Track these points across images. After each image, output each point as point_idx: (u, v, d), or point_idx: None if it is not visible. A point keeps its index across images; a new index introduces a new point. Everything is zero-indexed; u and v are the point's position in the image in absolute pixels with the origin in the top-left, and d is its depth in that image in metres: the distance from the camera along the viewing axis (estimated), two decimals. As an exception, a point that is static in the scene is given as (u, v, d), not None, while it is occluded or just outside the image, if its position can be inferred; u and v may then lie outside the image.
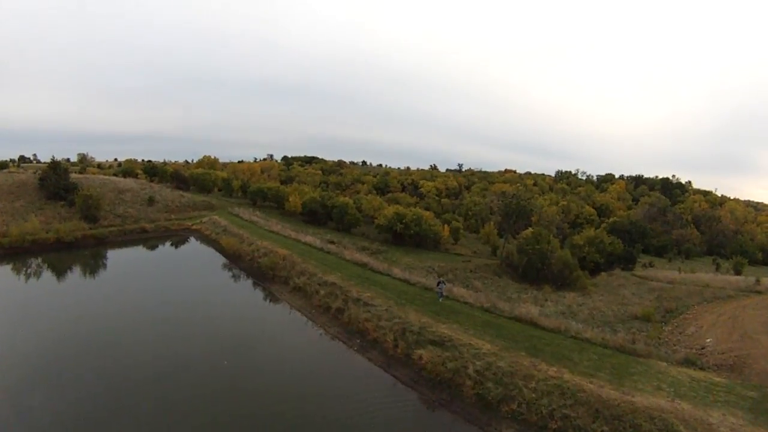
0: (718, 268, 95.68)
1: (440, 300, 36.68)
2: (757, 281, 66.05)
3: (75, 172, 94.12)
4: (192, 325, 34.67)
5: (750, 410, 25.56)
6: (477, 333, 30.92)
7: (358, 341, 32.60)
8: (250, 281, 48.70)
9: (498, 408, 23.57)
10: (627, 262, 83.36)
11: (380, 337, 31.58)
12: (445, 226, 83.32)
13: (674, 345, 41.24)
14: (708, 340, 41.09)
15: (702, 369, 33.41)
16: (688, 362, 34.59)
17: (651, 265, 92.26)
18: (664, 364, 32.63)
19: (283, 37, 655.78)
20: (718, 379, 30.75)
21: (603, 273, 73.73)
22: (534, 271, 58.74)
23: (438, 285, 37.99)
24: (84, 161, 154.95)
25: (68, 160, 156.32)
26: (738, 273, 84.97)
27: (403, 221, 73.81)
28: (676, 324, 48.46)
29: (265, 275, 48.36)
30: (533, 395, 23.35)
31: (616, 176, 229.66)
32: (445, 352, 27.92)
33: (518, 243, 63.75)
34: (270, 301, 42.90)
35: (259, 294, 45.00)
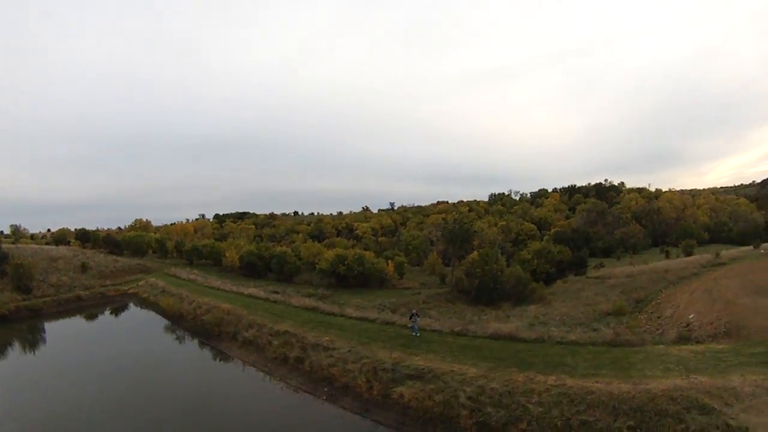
0: (668, 256, 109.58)
1: (415, 335, 39.25)
2: (717, 255, 74.83)
3: (8, 244, 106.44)
4: (138, 394, 36.53)
5: (765, 364, 28.54)
6: (456, 359, 32.57)
7: (326, 389, 33.92)
8: (195, 341, 52.59)
9: (506, 431, 24.16)
10: (578, 267, 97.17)
11: (350, 382, 32.84)
12: (389, 262, 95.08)
13: (657, 329, 45.71)
14: (691, 316, 45.93)
15: (699, 342, 37.08)
16: (682, 339, 38.45)
17: (602, 265, 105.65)
18: (661, 346, 35.62)
19: (212, 89, 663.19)
20: (720, 347, 34.16)
21: (558, 281, 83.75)
22: (487, 292, 65.88)
23: (411, 319, 40.54)
24: (17, 233, 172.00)
25: (1, 232, 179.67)
26: (689, 255, 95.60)
27: (345, 263, 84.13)
28: (650, 311, 54.39)
29: (210, 333, 52.36)
30: (540, 410, 24.29)
31: (549, 190, 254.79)
32: (428, 385, 28.89)
33: (465, 267, 72.51)
34: (220, 359, 46.01)
35: (206, 353, 48.33)
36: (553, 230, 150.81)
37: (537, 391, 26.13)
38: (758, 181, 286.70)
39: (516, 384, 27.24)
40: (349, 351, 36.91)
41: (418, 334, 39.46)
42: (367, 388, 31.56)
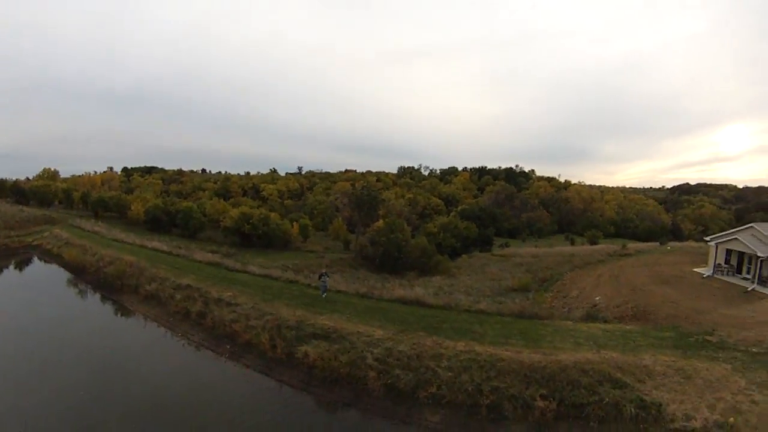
0: (573, 243, 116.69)
1: (323, 296, 40.20)
2: (624, 246, 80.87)
3: None
4: (35, 356, 35.00)
5: (675, 347, 31.64)
6: (363, 320, 33.77)
7: (228, 347, 34.43)
8: (97, 295, 52.57)
9: (415, 395, 25.39)
10: (484, 244, 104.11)
11: (253, 339, 33.55)
12: (294, 224, 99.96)
13: (563, 308, 48.84)
14: (597, 298, 49.28)
15: (606, 322, 39.92)
16: (590, 318, 41.27)
17: (507, 245, 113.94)
18: (569, 322, 38.16)
19: (124, 42, 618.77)
20: (628, 327, 37.19)
21: (463, 255, 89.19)
22: (391, 261, 69.37)
23: (320, 278, 41.74)
24: None
25: None
26: (594, 244, 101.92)
27: (251, 222, 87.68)
28: (556, 290, 58.44)
29: (113, 286, 52.95)
30: (450, 374, 25.58)
31: (460, 169, 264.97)
32: (334, 345, 29.86)
33: (371, 235, 75.97)
34: (121, 314, 46.04)
35: (108, 308, 48.31)
36: (460, 207, 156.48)
37: (446, 356, 27.21)
38: (669, 186, 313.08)
39: (424, 348, 28.22)
40: (252, 307, 37.60)
41: (325, 295, 40.50)
42: (271, 346, 32.20)
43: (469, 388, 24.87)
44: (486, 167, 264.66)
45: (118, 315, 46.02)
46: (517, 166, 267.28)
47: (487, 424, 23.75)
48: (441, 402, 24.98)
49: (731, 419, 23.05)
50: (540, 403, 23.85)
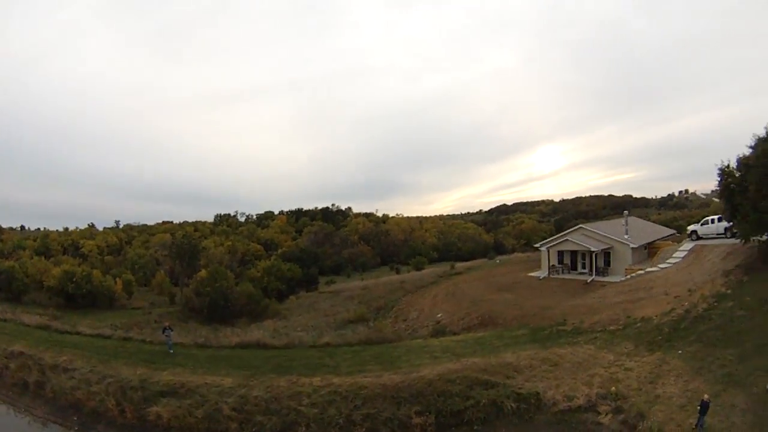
0: (398, 272, 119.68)
1: (171, 351, 38.49)
2: (452, 266, 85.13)
3: None
4: None
5: (533, 342, 33.90)
6: (208, 370, 32.97)
7: (76, 418, 32.14)
8: None
9: None
10: (309, 283, 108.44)
11: (99, 406, 31.49)
12: (117, 280, 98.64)
13: (407, 330, 49.94)
14: (439, 315, 51.59)
15: (456, 334, 41.26)
16: (439, 333, 42.70)
17: (333, 282, 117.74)
18: (419, 340, 39.42)
19: None
20: (479, 334, 38.91)
21: (291, 297, 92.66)
22: (219, 310, 69.90)
23: (164, 332, 39.50)
24: None
25: None
26: (420, 270, 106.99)
27: (74, 280, 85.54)
28: (394, 315, 59.88)
29: None
30: (315, 411, 25.30)
31: (276, 213, 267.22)
32: (185, 401, 28.59)
33: (195, 286, 76.98)
34: None
35: None
36: (280, 250, 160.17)
37: (305, 393, 26.74)
38: (485, 209, 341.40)
39: (280, 389, 27.55)
40: (91, 371, 35.54)
41: (172, 350, 38.52)
42: (119, 411, 30.37)
43: (340, 421, 24.44)
44: (302, 209, 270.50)
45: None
46: (333, 204, 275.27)
47: None
48: None
49: (612, 389, 24.91)
50: (417, 420, 24.00)
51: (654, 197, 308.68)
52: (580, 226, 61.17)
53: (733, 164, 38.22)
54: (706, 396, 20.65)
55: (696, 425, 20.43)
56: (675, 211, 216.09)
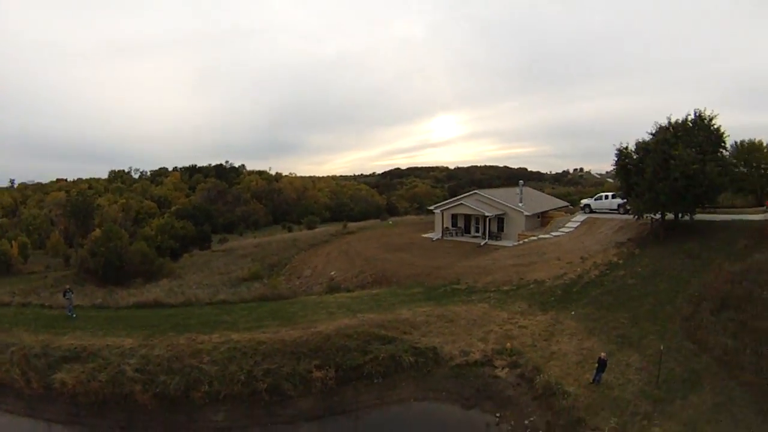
0: (290, 231, 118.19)
1: (73, 315, 36.43)
2: (345, 225, 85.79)
3: None
4: None
5: (428, 299, 34.08)
6: (108, 332, 31.67)
7: None
8: None
9: (189, 399, 23.94)
10: (203, 241, 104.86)
11: (5, 377, 29.34)
12: (13, 243, 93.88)
13: (301, 287, 48.85)
14: (332, 272, 50.71)
15: (350, 291, 40.77)
16: (333, 290, 41.96)
17: (226, 240, 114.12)
18: (314, 296, 38.74)
19: None
20: (375, 291, 38.82)
21: (185, 255, 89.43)
22: (114, 270, 66.76)
23: (65, 296, 37.49)
24: None
25: None
26: (312, 229, 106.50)
27: None
28: (287, 273, 58.77)
29: None
30: (217, 368, 24.73)
31: (170, 169, 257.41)
32: (88, 365, 27.20)
33: (90, 246, 73.08)
34: None
35: None
36: (174, 207, 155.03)
37: (206, 351, 26.01)
38: (379, 172, 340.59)
39: (180, 348, 26.65)
40: None
41: (73, 315, 36.47)
42: (26, 381, 28.26)
43: (242, 377, 23.89)
44: (196, 165, 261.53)
45: None
46: (227, 162, 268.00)
47: (273, 407, 23.06)
48: (219, 398, 23.58)
49: (508, 344, 25.41)
50: (317, 374, 23.80)
51: (549, 173, 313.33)
52: (475, 191, 61.88)
53: (632, 147, 39.68)
54: (603, 354, 21.18)
55: (593, 380, 20.92)
56: (569, 187, 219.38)
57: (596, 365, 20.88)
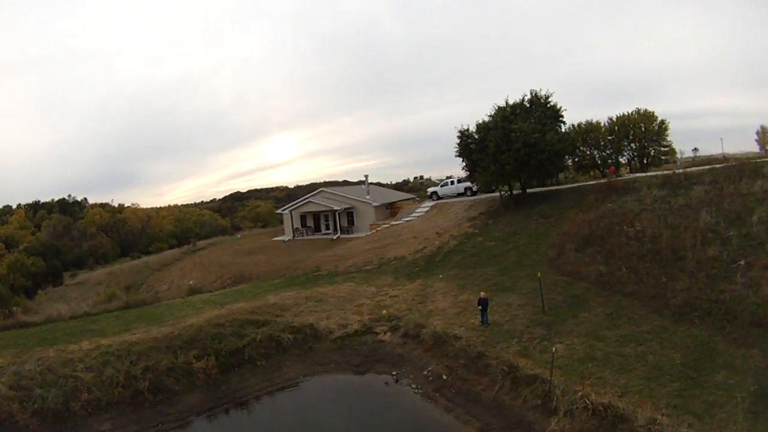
0: (140, 258, 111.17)
1: None
2: (194, 244, 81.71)
3: None
4: None
5: (291, 285, 32.87)
6: None
7: None
8: None
9: (70, 411, 20.56)
10: (55, 277, 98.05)
11: None
12: None
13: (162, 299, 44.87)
14: (191, 282, 47.87)
15: (210, 292, 38.61)
16: (195, 292, 39.37)
17: (77, 275, 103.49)
18: (179, 299, 35.94)
19: None
20: (238, 287, 36.94)
21: (40, 292, 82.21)
22: None
23: None
24: None
25: None
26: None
27: None
28: (145, 290, 54.30)
29: None
30: (92, 374, 21.74)
31: (14, 207, 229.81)
32: None
33: None
34: None
35: None
36: (22, 246, 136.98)
37: (78, 359, 22.85)
38: (220, 198, 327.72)
39: (51, 359, 23.25)
40: None
41: None
42: None
43: (121, 379, 21.18)
44: (39, 201, 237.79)
45: None
46: (69, 195, 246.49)
47: (160, 407, 20.56)
48: (101, 406, 20.61)
49: (384, 311, 24.58)
50: (198, 364, 21.74)
51: (389, 183, 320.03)
52: (322, 189, 60.46)
53: (472, 128, 39.95)
54: (482, 293, 20.68)
55: (481, 322, 20.24)
56: (410, 194, 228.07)
57: (479, 308, 20.24)
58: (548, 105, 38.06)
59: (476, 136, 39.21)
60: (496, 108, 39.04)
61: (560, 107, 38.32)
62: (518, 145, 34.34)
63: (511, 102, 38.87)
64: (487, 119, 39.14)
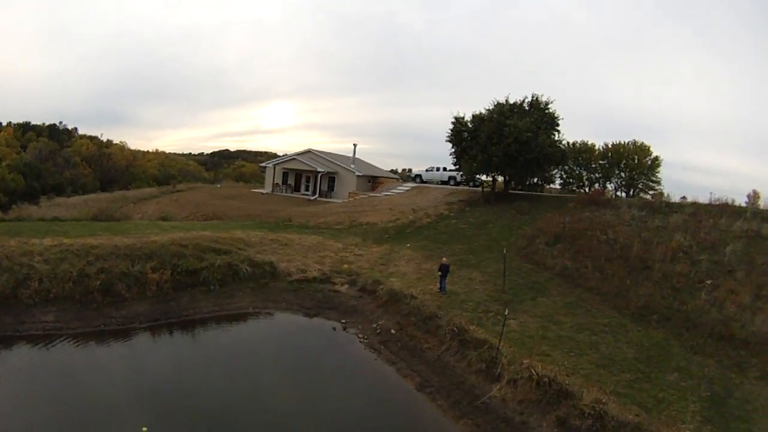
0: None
1: None
2: (174, 186, 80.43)
3: None
4: None
5: (261, 227, 31.94)
6: None
7: None
8: None
9: (17, 297, 20.12)
10: (32, 197, 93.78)
11: None
12: None
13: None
14: (163, 215, 45.75)
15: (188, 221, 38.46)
16: (168, 219, 38.95)
17: (53, 198, 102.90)
18: (147, 221, 36.38)
19: None
20: (211, 222, 36.35)
21: (14, 206, 79.70)
22: None
23: None
24: None
25: None
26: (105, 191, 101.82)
27: None
28: (118, 216, 52.37)
29: None
30: (48, 266, 21.39)
31: (4, 124, 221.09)
32: None
33: None
34: None
35: None
36: (5, 163, 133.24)
37: (37, 252, 22.42)
38: (208, 153, 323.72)
39: (11, 248, 22.69)
40: None
41: None
42: None
43: (74, 274, 20.77)
44: (30, 122, 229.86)
45: None
46: (60, 123, 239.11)
47: (106, 309, 19.98)
48: (49, 298, 20.24)
49: (345, 266, 24.23)
50: (153, 276, 21.29)
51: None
52: (310, 149, 58.82)
53: (468, 118, 39.13)
54: (444, 259, 20.11)
55: (439, 289, 19.63)
56: (395, 175, 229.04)
57: (439, 273, 19.63)
58: (546, 111, 37.16)
59: (470, 125, 38.25)
60: (495, 103, 38.07)
61: (558, 115, 37.37)
62: (510, 140, 33.43)
63: (511, 101, 37.94)
64: (484, 112, 38.21)
